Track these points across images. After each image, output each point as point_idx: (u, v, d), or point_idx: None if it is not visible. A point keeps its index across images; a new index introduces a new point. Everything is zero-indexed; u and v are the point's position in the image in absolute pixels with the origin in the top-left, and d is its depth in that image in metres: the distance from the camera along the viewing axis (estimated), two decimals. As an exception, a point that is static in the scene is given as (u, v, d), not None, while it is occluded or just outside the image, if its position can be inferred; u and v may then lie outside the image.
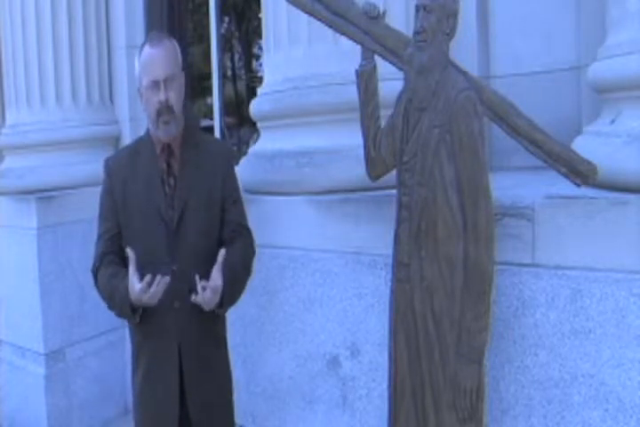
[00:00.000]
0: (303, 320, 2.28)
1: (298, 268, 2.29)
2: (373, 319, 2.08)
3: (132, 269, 1.74)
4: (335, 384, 2.20)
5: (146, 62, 1.86)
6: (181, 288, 1.83)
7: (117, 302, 1.82)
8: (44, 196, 3.37)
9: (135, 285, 1.72)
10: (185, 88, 1.97)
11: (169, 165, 1.91)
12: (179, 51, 1.94)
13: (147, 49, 1.87)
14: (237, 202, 1.99)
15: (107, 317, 3.52)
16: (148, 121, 1.93)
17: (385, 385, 1.81)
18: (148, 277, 1.71)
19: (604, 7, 1.96)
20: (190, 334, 1.87)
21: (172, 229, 1.85)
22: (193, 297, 1.73)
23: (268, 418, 2.40)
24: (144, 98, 1.88)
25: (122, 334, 3.64)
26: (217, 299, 1.77)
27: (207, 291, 1.73)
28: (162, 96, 1.82)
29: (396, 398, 1.72)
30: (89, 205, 3.44)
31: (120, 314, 1.87)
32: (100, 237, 1.95)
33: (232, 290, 1.84)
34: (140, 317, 1.83)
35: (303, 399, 2.30)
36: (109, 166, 1.98)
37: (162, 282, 1.72)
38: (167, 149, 1.90)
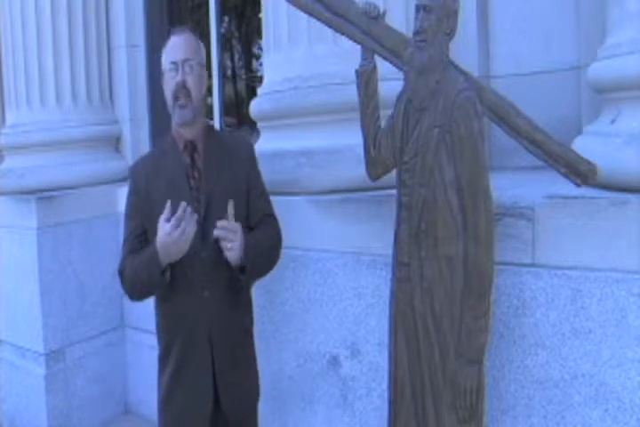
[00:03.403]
0: (303, 320, 2.28)
1: (298, 268, 2.29)
2: (373, 319, 2.08)
3: (162, 218, 1.73)
4: (335, 384, 2.20)
5: (167, 48, 1.93)
6: (210, 277, 1.86)
7: (145, 265, 1.79)
8: (44, 196, 3.37)
9: (164, 225, 1.72)
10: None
11: (193, 160, 1.93)
12: (202, 46, 2.00)
13: (170, 38, 1.94)
14: (263, 193, 2.02)
15: (107, 317, 3.58)
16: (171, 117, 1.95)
17: (385, 385, 1.81)
18: (182, 205, 1.72)
19: (603, 7, 1.96)
20: (220, 323, 1.88)
21: (199, 222, 1.85)
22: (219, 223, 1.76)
23: (268, 418, 2.40)
24: (165, 85, 1.92)
25: (122, 334, 3.65)
26: (237, 239, 1.77)
27: (221, 231, 1.76)
28: (179, 77, 1.87)
29: (395, 398, 1.72)
30: (89, 205, 3.47)
31: (149, 279, 1.81)
32: (126, 237, 1.96)
33: (254, 253, 1.83)
34: (170, 275, 1.80)
35: (303, 399, 2.30)
36: (133, 169, 2.02)
37: (192, 218, 1.72)
38: (190, 145, 1.94)
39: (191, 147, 1.94)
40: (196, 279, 1.86)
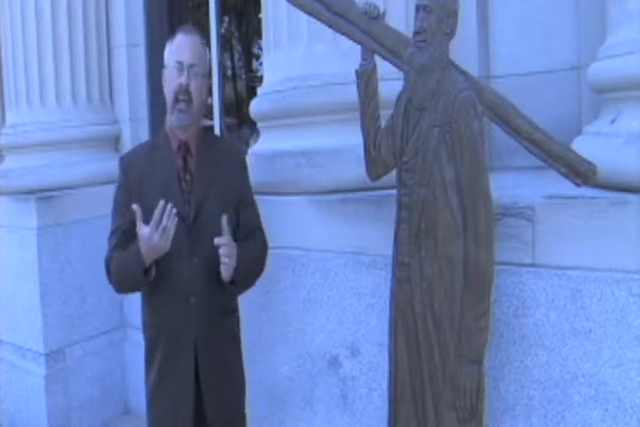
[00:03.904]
0: (303, 320, 2.28)
1: (298, 268, 2.29)
2: (373, 319, 2.08)
3: (139, 222, 1.74)
4: (335, 384, 2.20)
5: (174, 45, 1.92)
6: (198, 283, 1.86)
7: (130, 263, 1.79)
8: (44, 196, 3.37)
9: (144, 228, 1.72)
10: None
11: (185, 162, 1.92)
12: (207, 51, 1.99)
13: (178, 35, 1.92)
14: (252, 204, 2.03)
15: (106, 316, 3.58)
16: (166, 115, 1.94)
17: (385, 385, 1.81)
18: (160, 204, 1.72)
19: (603, 7, 1.96)
20: (206, 330, 1.88)
21: (189, 225, 1.86)
22: (216, 240, 1.77)
23: (268, 418, 2.40)
24: (166, 82, 1.91)
25: (122, 334, 3.66)
26: (233, 254, 1.79)
27: (222, 247, 1.78)
28: (183, 79, 1.85)
29: (396, 398, 1.72)
30: (89, 205, 3.47)
31: (133, 277, 1.81)
32: (113, 231, 1.95)
33: (245, 267, 1.85)
34: (155, 272, 1.81)
35: (303, 399, 2.30)
36: (124, 162, 1.98)
37: (172, 213, 1.71)
38: (184, 146, 1.92)
39: (185, 149, 1.92)
40: (184, 285, 1.85)
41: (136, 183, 1.91)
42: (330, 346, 2.20)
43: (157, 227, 1.71)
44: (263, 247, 2.01)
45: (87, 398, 3.47)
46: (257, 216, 2.03)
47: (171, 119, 1.91)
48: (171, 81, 1.88)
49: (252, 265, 1.92)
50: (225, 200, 1.90)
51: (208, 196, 1.89)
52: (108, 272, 1.92)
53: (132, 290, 1.94)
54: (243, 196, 1.97)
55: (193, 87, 1.86)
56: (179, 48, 1.89)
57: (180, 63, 1.86)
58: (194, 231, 1.86)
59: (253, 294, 2.24)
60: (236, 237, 1.93)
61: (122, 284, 1.90)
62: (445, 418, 1.63)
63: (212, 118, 3.97)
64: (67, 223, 3.39)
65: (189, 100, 1.86)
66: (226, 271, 1.80)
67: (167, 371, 1.90)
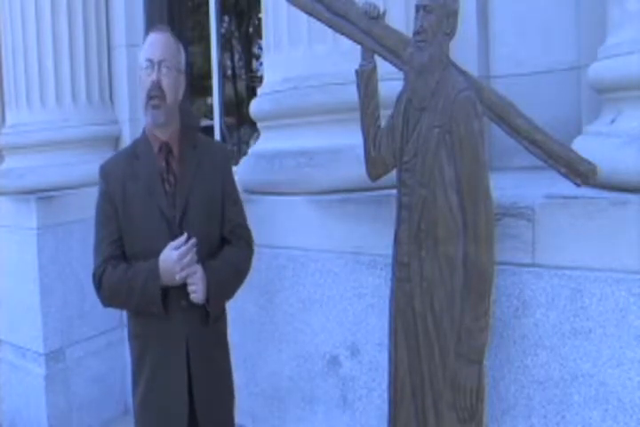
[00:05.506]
0: (303, 320, 2.28)
1: (298, 268, 2.29)
2: (373, 319, 2.08)
3: (172, 245, 1.79)
4: (335, 384, 2.20)
5: (145, 44, 1.90)
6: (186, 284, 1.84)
7: (140, 284, 1.79)
8: (43, 196, 3.37)
9: (172, 253, 1.77)
10: (185, 91, 1.97)
11: (168, 164, 1.89)
12: (181, 48, 1.95)
13: (149, 35, 1.91)
14: (237, 202, 2.00)
15: (107, 317, 3.57)
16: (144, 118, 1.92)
17: (385, 385, 1.81)
18: (183, 237, 1.79)
19: (603, 7, 1.96)
20: (198, 334, 1.86)
21: (174, 228, 1.84)
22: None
23: (268, 418, 2.40)
24: (140, 82, 1.88)
25: (122, 334, 3.65)
26: (202, 287, 1.81)
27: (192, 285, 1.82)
28: (154, 76, 1.82)
29: (395, 398, 1.72)
30: (89, 205, 3.44)
31: (143, 299, 1.81)
32: (99, 242, 1.92)
33: (218, 288, 1.85)
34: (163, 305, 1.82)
35: (303, 399, 2.30)
36: (105, 171, 1.96)
37: (192, 243, 1.79)
38: (165, 147, 1.89)
39: (166, 149, 1.89)
40: (174, 289, 1.83)
41: (119, 190, 1.89)
42: (330, 346, 2.21)
43: (187, 254, 1.78)
44: (244, 261, 1.98)
45: (87, 398, 3.47)
46: (242, 214, 2.01)
47: (147, 119, 1.88)
48: (144, 80, 1.85)
49: (226, 282, 1.90)
50: (210, 200, 1.89)
51: (192, 196, 1.87)
52: (99, 286, 1.89)
53: (126, 307, 1.95)
54: (227, 193, 1.95)
55: (165, 83, 1.83)
56: (150, 46, 1.87)
57: (151, 61, 1.83)
58: (180, 233, 1.84)
59: (254, 294, 2.24)
60: (221, 235, 1.94)
61: (118, 297, 1.87)
62: (445, 418, 1.63)
63: (212, 118, 3.97)
64: (67, 223, 3.39)
65: (162, 97, 1.83)
66: (194, 298, 1.81)
67: (159, 376, 1.88)
